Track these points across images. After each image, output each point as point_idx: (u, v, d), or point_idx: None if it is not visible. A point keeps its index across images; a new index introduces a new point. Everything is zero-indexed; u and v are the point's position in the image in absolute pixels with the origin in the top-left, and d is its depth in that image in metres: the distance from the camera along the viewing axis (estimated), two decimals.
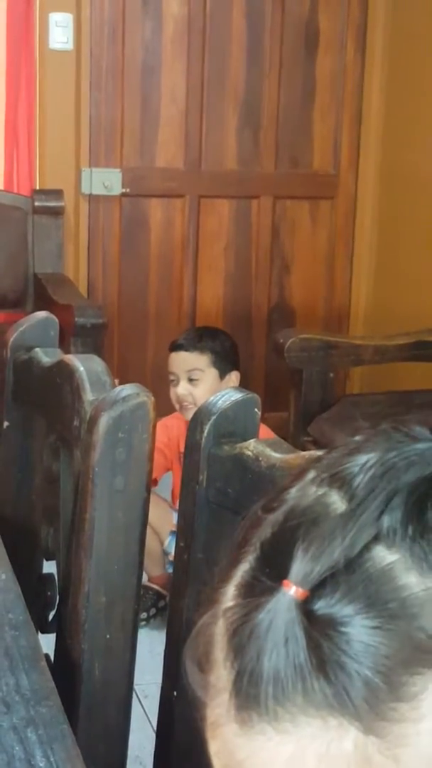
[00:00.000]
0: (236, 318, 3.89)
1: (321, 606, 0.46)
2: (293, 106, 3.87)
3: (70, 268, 3.65)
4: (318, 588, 0.47)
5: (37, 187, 3.59)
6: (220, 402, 1.10)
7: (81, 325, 2.92)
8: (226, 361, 2.75)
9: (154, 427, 1.18)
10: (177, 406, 2.75)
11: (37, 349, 1.49)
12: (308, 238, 3.99)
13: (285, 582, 0.47)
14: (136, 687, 1.25)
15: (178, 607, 1.14)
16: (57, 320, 1.58)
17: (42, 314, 1.59)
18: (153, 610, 2.70)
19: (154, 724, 1.21)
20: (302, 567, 0.47)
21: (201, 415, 1.11)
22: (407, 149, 3.70)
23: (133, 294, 3.82)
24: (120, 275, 3.79)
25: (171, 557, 2.60)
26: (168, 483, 2.80)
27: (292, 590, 0.47)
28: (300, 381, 3.03)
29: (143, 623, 2.60)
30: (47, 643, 1.26)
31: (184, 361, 2.73)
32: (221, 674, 0.49)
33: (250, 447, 1.04)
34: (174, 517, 2.41)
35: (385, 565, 0.47)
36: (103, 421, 1.13)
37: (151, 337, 3.85)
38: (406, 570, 0.47)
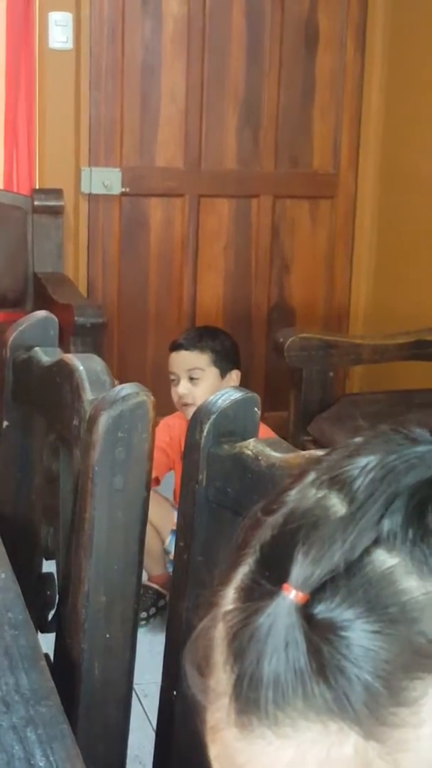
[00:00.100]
0: (236, 317, 3.89)
1: (321, 610, 0.46)
2: (293, 105, 3.87)
3: (69, 267, 3.65)
4: (318, 592, 0.47)
5: (37, 187, 3.59)
6: (219, 401, 1.10)
7: (81, 325, 2.92)
8: (226, 360, 2.75)
9: (154, 426, 1.18)
10: (178, 406, 2.75)
11: (37, 349, 1.48)
12: (308, 237, 3.99)
13: (285, 586, 0.47)
14: (135, 686, 1.25)
15: (178, 607, 1.14)
16: (56, 319, 1.58)
17: (41, 313, 1.59)
18: (153, 610, 2.70)
19: (154, 723, 1.21)
20: (302, 571, 0.47)
21: (201, 415, 1.11)
22: (407, 148, 3.70)
23: (132, 293, 3.81)
24: (120, 275, 3.79)
25: (172, 556, 2.60)
26: (170, 482, 2.80)
27: (292, 594, 0.47)
28: (300, 380, 3.03)
29: (143, 623, 2.60)
30: (47, 642, 1.26)
31: (184, 360, 2.73)
32: (221, 678, 0.49)
33: (250, 446, 1.04)
34: (175, 516, 2.41)
35: (385, 569, 0.47)
36: (103, 421, 1.13)
37: (150, 336, 3.85)
38: (406, 574, 0.47)
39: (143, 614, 2.62)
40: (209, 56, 3.73)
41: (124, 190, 3.71)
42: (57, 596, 1.44)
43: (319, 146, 3.93)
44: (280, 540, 0.49)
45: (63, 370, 1.32)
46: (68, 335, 2.87)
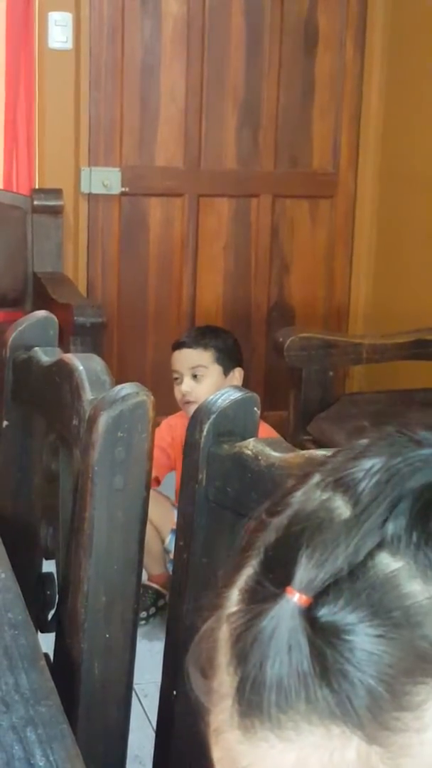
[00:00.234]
0: (236, 317, 3.89)
1: (324, 613, 0.46)
2: (292, 105, 3.87)
3: (69, 267, 3.65)
4: (322, 595, 0.46)
5: (37, 186, 3.59)
6: (219, 401, 1.10)
7: (80, 324, 2.92)
8: (229, 358, 2.76)
9: (154, 426, 1.18)
10: (181, 404, 2.75)
11: (37, 349, 1.48)
12: (308, 237, 3.99)
13: (288, 588, 0.47)
14: (135, 686, 1.25)
15: (178, 607, 1.14)
16: (56, 319, 1.58)
17: (41, 313, 1.59)
18: (153, 610, 2.70)
19: (154, 723, 1.21)
20: (306, 573, 0.47)
21: (200, 414, 1.11)
22: (406, 148, 3.70)
23: (132, 293, 3.82)
24: (119, 274, 3.79)
25: (172, 555, 2.60)
26: (172, 482, 2.80)
27: (295, 597, 0.46)
28: (299, 380, 3.03)
29: (143, 622, 2.60)
30: (47, 642, 1.26)
31: (187, 358, 2.73)
32: (224, 680, 0.49)
33: (250, 446, 1.04)
34: (176, 515, 2.41)
35: (389, 573, 0.47)
36: (103, 421, 1.13)
37: (150, 336, 3.85)
38: (410, 578, 0.46)
39: (143, 614, 2.62)
40: (209, 56, 3.73)
41: (123, 189, 3.71)
42: (57, 596, 1.44)
43: (318, 146, 3.93)
44: (284, 542, 0.49)
45: (63, 370, 1.32)
46: (68, 335, 2.87)
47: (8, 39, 3.47)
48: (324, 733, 0.45)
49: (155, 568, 2.78)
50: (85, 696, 1.16)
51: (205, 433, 1.09)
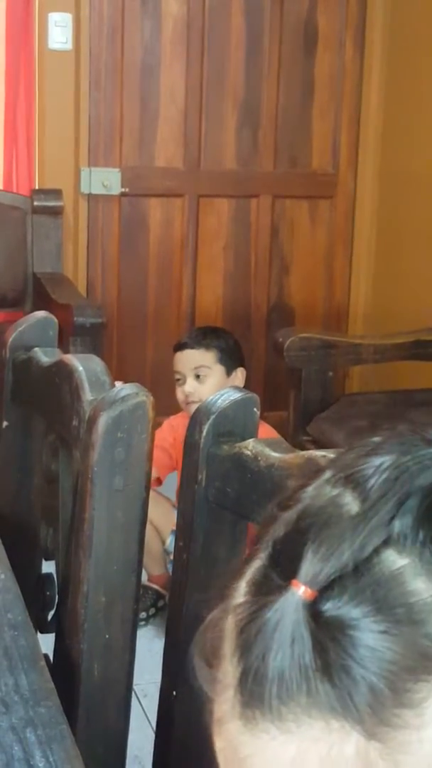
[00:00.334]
0: (235, 317, 3.89)
1: (329, 608, 0.46)
2: (292, 105, 3.87)
3: (69, 267, 3.65)
4: (327, 589, 0.47)
5: (37, 187, 3.59)
6: (219, 401, 1.10)
7: (80, 325, 2.92)
8: (231, 358, 2.76)
9: (153, 426, 1.18)
10: (184, 406, 2.75)
11: (36, 349, 1.48)
12: (307, 237, 3.99)
13: (294, 582, 0.47)
14: (135, 687, 1.25)
15: (178, 607, 1.14)
16: (56, 320, 1.58)
17: (41, 314, 1.59)
18: (152, 610, 2.70)
19: (154, 723, 1.21)
20: (311, 567, 0.47)
21: (200, 415, 1.11)
22: (406, 148, 3.70)
23: (132, 293, 3.82)
24: (119, 275, 3.79)
25: (172, 556, 2.60)
26: (173, 482, 2.80)
27: (300, 590, 0.47)
28: (299, 380, 3.03)
29: (142, 623, 2.60)
30: (46, 643, 1.26)
31: (190, 359, 2.73)
32: (228, 670, 0.50)
33: (249, 446, 1.04)
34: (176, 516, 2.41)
35: (394, 570, 0.47)
36: (102, 421, 1.13)
37: (150, 336, 3.85)
38: (415, 575, 0.47)
39: (143, 614, 2.62)
40: (209, 56, 3.73)
41: (123, 190, 3.71)
42: (56, 597, 1.44)
43: (318, 146, 3.94)
44: (292, 536, 0.50)
45: (62, 371, 1.32)
46: (68, 335, 2.87)
47: (8, 40, 3.47)
48: (324, 726, 0.46)
49: (155, 569, 2.78)
50: (84, 697, 1.16)
51: (204, 433, 1.09)
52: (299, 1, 3.80)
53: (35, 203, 3.50)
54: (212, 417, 1.09)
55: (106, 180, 3.68)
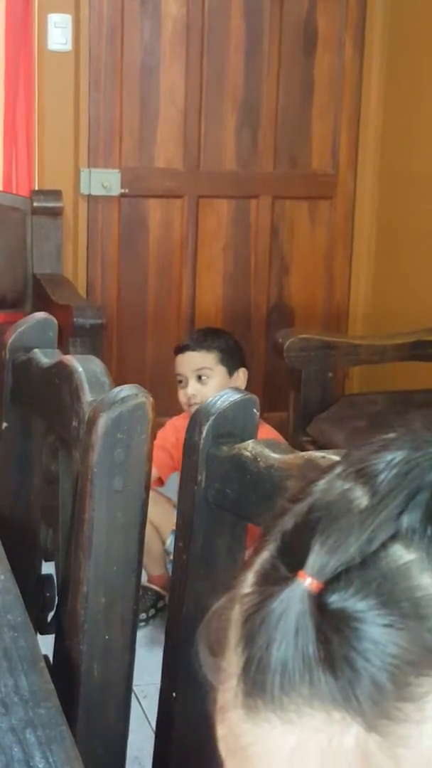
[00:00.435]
0: (235, 318, 3.89)
1: (334, 600, 0.46)
2: (292, 106, 3.87)
3: (69, 268, 3.65)
4: (333, 582, 0.47)
5: (36, 188, 3.59)
6: (218, 402, 1.10)
7: (80, 326, 2.92)
8: (233, 359, 2.76)
9: (153, 427, 1.18)
10: (186, 408, 2.75)
11: (36, 350, 1.48)
12: (307, 238, 4.00)
13: (300, 573, 0.47)
14: (135, 687, 1.26)
15: (177, 608, 1.14)
16: (56, 321, 1.58)
17: (41, 315, 1.59)
18: (152, 611, 2.70)
19: (153, 724, 1.21)
20: (318, 559, 0.47)
21: (199, 416, 1.11)
22: (406, 149, 3.70)
23: (132, 294, 3.82)
24: (119, 275, 3.79)
25: (172, 556, 2.60)
26: (175, 482, 2.80)
27: (306, 582, 0.47)
28: (299, 381, 3.03)
29: (142, 624, 2.60)
30: (46, 644, 1.26)
31: (191, 361, 2.73)
32: (232, 659, 0.50)
33: (249, 447, 1.04)
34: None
35: (401, 564, 0.47)
36: (102, 422, 1.13)
37: (150, 337, 3.85)
38: (421, 570, 0.47)
39: (142, 615, 2.62)
40: (208, 57, 3.73)
41: (123, 191, 3.72)
42: (56, 598, 1.44)
43: (318, 147, 3.94)
44: (301, 528, 0.50)
45: (62, 372, 1.32)
46: (67, 336, 2.87)
47: (8, 41, 3.47)
48: (325, 717, 0.46)
49: (155, 569, 2.78)
50: (84, 697, 1.16)
51: (204, 434, 1.09)
52: (299, 2, 3.80)
53: (35, 204, 3.50)
54: (212, 418, 1.09)
55: (105, 181, 3.68)
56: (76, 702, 1.16)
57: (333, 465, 0.53)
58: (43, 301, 3.25)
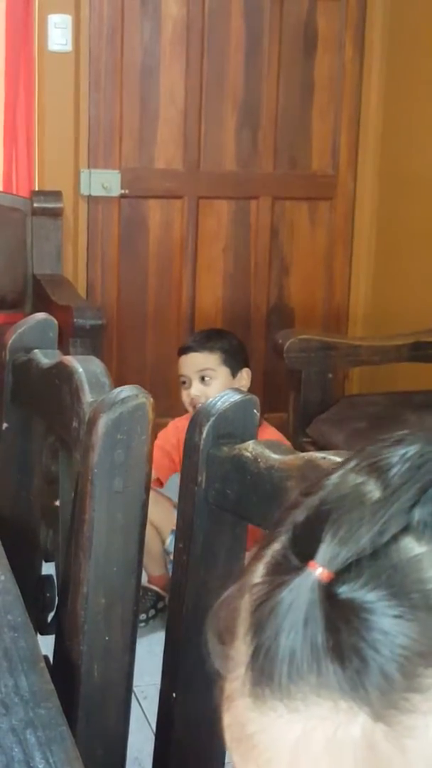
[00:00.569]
0: (235, 319, 3.89)
1: (344, 590, 0.47)
2: (292, 106, 3.87)
3: (69, 269, 3.65)
4: (343, 572, 0.47)
5: (36, 189, 3.59)
6: (219, 403, 1.10)
7: (80, 326, 2.92)
8: (236, 359, 2.76)
9: (153, 428, 1.18)
10: (190, 409, 2.75)
11: (36, 351, 1.48)
12: (307, 238, 4.00)
13: (311, 563, 0.48)
14: (135, 688, 1.25)
15: (177, 608, 1.14)
16: (56, 321, 1.58)
17: (41, 315, 1.59)
18: (152, 612, 2.70)
19: (153, 725, 1.21)
20: (329, 549, 0.47)
21: (200, 417, 1.11)
22: (406, 149, 3.70)
23: (132, 295, 3.82)
24: (119, 276, 3.79)
25: (172, 557, 2.60)
26: (175, 483, 2.79)
27: (317, 571, 0.47)
28: (299, 382, 3.03)
29: (142, 624, 2.60)
30: (46, 644, 1.26)
31: (194, 362, 2.74)
32: (240, 648, 0.50)
33: (249, 448, 1.04)
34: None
35: (412, 557, 0.47)
36: (102, 423, 1.13)
37: (150, 338, 3.85)
38: None
39: (142, 616, 2.62)
40: (208, 58, 3.73)
41: (123, 191, 3.72)
42: (56, 598, 1.44)
43: (318, 147, 3.94)
44: (313, 520, 0.50)
45: (62, 373, 1.32)
46: (67, 337, 2.87)
47: (8, 41, 3.47)
48: (332, 706, 0.46)
49: (155, 570, 2.78)
50: (84, 698, 1.16)
51: (204, 435, 1.09)
52: (299, 3, 3.80)
53: (35, 205, 3.50)
54: (212, 419, 1.09)
55: (105, 181, 3.68)
56: (76, 702, 1.16)
57: (346, 460, 0.54)
58: (43, 302, 3.25)
